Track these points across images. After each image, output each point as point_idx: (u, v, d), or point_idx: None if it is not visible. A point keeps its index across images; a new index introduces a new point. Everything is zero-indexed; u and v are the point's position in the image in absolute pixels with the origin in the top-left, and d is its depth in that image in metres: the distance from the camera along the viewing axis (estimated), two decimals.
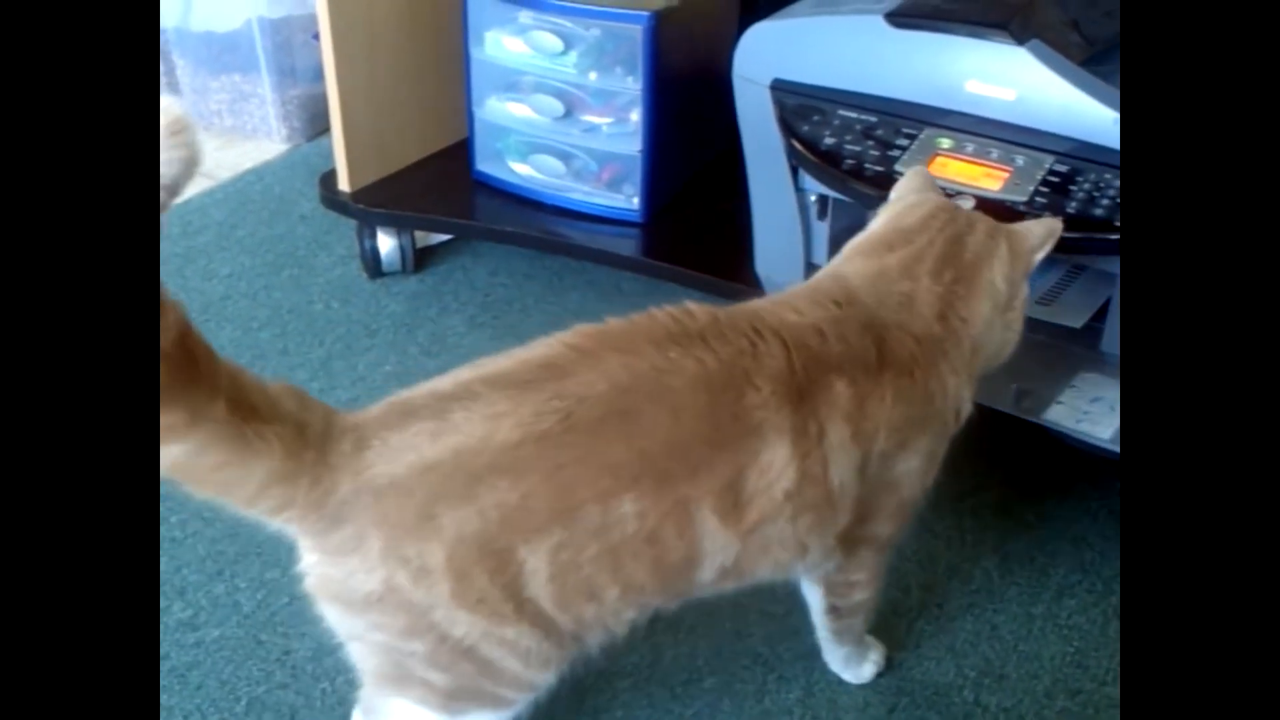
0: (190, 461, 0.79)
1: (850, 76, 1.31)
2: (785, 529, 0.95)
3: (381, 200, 1.79)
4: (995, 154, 1.23)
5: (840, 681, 1.22)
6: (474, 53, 1.72)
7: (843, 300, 1.01)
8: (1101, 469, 1.37)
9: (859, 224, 1.20)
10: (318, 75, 1.92)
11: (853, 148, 1.29)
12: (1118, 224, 1.16)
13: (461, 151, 1.83)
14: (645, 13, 1.59)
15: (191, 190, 1.52)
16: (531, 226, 1.73)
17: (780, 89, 1.34)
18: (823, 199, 1.39)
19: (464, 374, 0.91)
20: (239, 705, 1.19)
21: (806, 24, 1.35)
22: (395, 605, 0.87)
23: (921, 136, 1.27)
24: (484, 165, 1.80)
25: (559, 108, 1.69)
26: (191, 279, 1.85)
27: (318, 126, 2.26)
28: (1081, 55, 1.21)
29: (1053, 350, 1.33)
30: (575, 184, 1.74)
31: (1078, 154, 1.19)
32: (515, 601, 0.88)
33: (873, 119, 1.29)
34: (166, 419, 0.75)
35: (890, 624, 1.27)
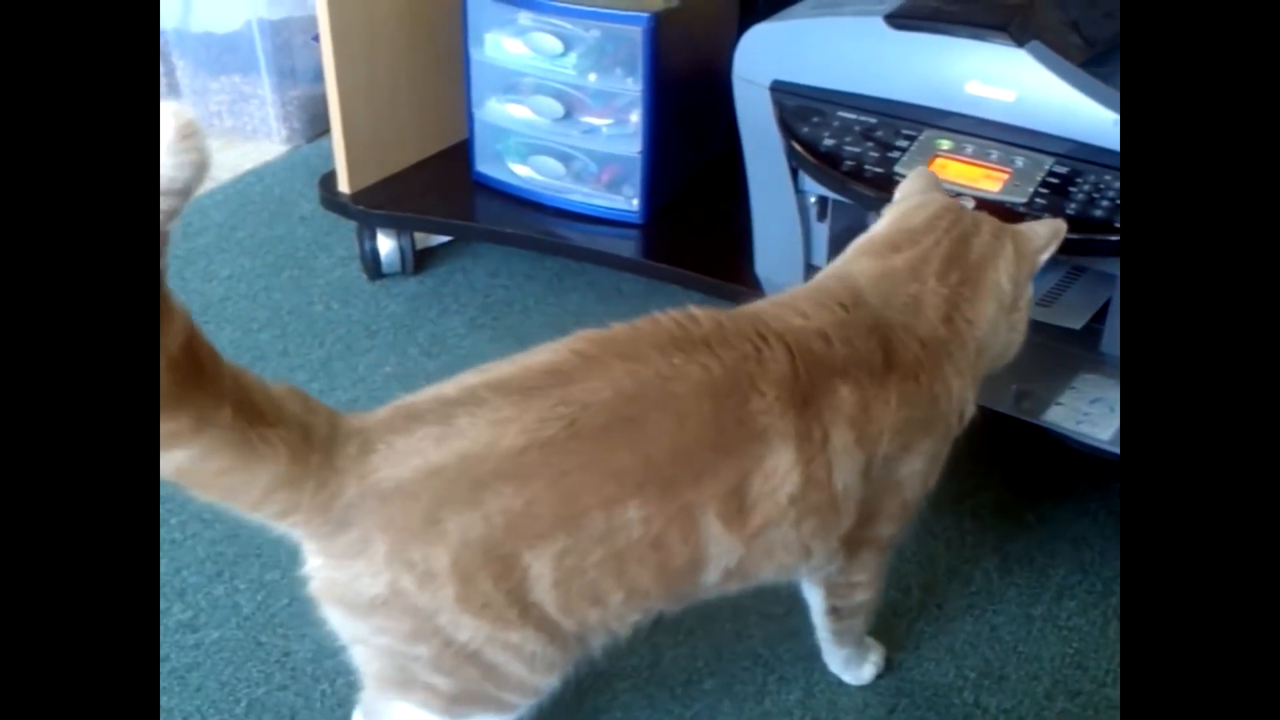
0: (196, 466, 0.79)
1: (850, 78, 1.31)
2: (789, 533, 0.95)
3: (381, 201, 1.78)
4: (995, 155, 1.23)
5: (840, 683, 1.22)
6: (474, 54, 1.72)
7: (849, 302, 1.00)
8: (1101, 470, 1.37)
9: (859, 225, 1.20)
10: (318, 76, 1.92)
11: (852, 149, 1.29)
12: (1117, 225, 1.16)
13: (461, 153, 1.83)
14: (645, 14, 1.59)
15: None
16: (531, 228, 1.73)
17: (780, 90, 1.34)
18: (822, 200, 1.39)
19: (469, 379, 0.91)
20: (239, 707, 1.19)
21: (806, 25, 1.35)
22: (400, 609, 0.87)
23: (921, 138, 1.27)
24: (484, 166, 1.80)
25: (559, 109, 1.69)
26: (191, 280, 1.84)
27: (318, 128, 2.25)
28: (1081, 57, 1.21)
29: (1053, 352, 1.33)
30: (575, 185, 1.74)
31: (1077, 155, 1.20)
32: (520, 606, 0.88)
33: (872, 120, 1.29)
34: (172, 424, 0.75)
35: (890, 625, 1.27)
